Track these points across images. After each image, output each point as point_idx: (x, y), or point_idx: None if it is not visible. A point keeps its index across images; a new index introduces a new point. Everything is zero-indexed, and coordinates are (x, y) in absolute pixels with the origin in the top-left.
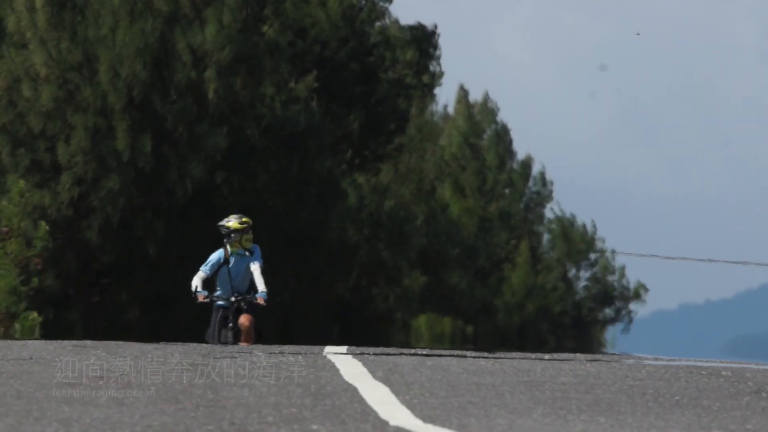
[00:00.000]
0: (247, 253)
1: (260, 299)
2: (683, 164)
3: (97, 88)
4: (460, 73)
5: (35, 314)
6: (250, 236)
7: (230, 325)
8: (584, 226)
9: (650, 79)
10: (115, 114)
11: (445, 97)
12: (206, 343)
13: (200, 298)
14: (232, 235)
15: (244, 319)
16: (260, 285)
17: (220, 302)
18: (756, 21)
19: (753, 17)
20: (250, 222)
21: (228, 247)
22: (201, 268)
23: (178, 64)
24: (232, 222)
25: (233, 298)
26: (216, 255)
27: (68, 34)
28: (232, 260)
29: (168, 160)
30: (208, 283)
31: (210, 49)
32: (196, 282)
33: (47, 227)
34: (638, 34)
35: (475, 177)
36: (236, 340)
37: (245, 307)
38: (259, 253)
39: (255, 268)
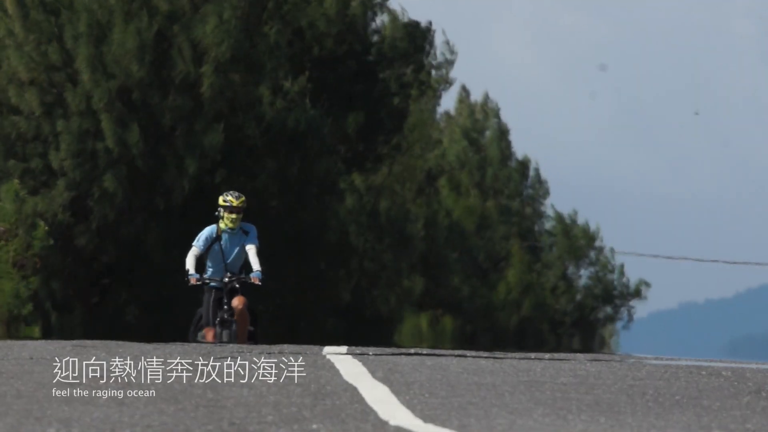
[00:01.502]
0: (244, 234)
1: (255, 279)
2: (683, 164)
3: (81, 88)
4: (460, 73)
5: (37, 329)
6: (234, 216)
7: (225, 307)
8: (587, 222)
9: (650, 79)
10: (101, 111)
11: (444, 96)
12: (189, 340)
13: (192, 281)
14: (219, 209)
15: (237, 302)
16: (255, 264)
17: (213, 284)
18: (756, 21)
19: (753, 17)
20: (244, 204)
21: (220, 223)
22: (194, 244)
23: (177, 59)
24: (228, 197)
25: (226, 279)
26: (207, 230)
27: (46, 37)
28: (224, 237)
29: (165, 159)
30: (200, 265)
31: (209, 44)
32: (190, 261)
33: (46, 227)
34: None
35: (475, 172)
36: (231, 321)
37: (239, 287)
38: (255, 233)
39: (250, 248)
